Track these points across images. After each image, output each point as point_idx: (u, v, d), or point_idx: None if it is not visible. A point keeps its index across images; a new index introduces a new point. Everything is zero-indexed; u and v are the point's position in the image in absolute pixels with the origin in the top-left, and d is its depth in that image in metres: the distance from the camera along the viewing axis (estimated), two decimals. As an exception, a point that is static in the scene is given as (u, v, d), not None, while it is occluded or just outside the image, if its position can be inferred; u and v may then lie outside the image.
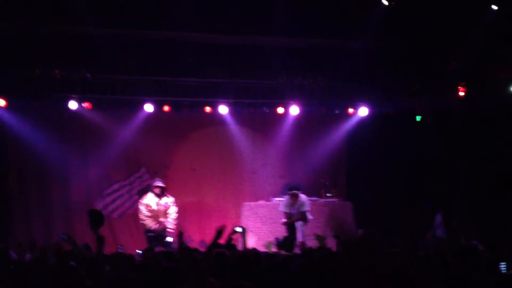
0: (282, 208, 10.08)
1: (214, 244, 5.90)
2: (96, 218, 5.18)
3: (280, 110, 11.47)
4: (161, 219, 9.76)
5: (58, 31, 9.69)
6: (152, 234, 9.64)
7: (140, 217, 9.85)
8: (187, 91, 11.04)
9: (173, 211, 9.90)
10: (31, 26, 9.44)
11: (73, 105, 10.60)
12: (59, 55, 10.18)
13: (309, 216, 9.99)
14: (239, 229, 6.87)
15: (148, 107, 10.89)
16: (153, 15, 9.39)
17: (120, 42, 10.05)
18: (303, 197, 10.03)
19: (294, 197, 9.96)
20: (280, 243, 7.66)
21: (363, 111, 11.56)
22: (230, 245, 6.39)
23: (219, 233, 5.84)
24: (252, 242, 9.69)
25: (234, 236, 6.88)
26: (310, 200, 10.39)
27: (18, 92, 10.37)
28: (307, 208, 9.94)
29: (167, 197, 9.93)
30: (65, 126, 11.16)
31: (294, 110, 11.35)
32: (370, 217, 10.80)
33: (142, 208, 9.79)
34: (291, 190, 10.03)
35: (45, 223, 10.86)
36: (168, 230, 9.78)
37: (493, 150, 10.52)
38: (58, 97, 10.59)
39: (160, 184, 9.76)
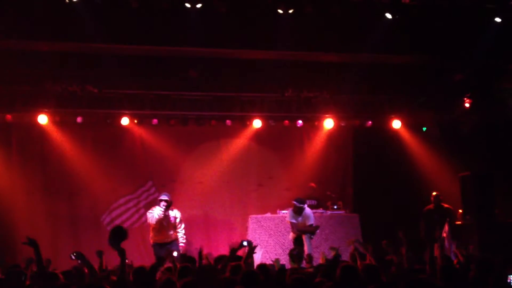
0: (289, 218, 10.01)
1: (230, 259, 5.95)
2: (118, 234, 5.16)
3: (286, 123, 11.51)
4: (170, 232, 9.74)
5: (65, 47, 9.75)
6: (159, 247, 9.61)
7: (149, 222, 9.81)
8: (193, 105, 11.11)
9: (181, 226, 9.89)
10: (37, 42, 9.52)
11: (80, 119, 10.70)
12: (66, 71, 10.27)
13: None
14: (246, 243, 6.86)
15: (154, 121, 10.97)
16: (159, 31, 9.45)
17: (127, 57, 10.11)
18: (307, 210, 9.97)
19: (299, 210, 9.87)
20: (291, 255, 7.61)
21: (369, 123, 11.57)
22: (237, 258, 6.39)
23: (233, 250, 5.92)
24: (258, 255, 9.68)
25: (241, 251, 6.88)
26: (317, 212, 10.36)
27: (23, 107, 10.46)
28: (312, 221, 9.89)
29: (174, 210, 9.91)
30: (72, 140, 11.22)
31: (300, 123, 11.37)
32: (378, 229, 10.76)
33: (150, 216, 9.74)
34: (300, 203, 9.93)
35: (51, 238, 10.87)
36: (180, 244, 9.76)
37: (501, 161, 10.50)
38: (65, 111, 10.68)
39: (165, 198, 9.76)
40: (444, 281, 4.84)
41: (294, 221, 9.92)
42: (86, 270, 5.84)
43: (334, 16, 9.34)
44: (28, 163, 11.11)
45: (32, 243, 5.34)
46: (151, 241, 9.80)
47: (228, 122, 11.34)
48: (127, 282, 4.90)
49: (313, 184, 11.21)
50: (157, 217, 9.59)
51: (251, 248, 6.60)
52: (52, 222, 11.04)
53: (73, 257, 5.40)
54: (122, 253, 4.98)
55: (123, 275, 4.96)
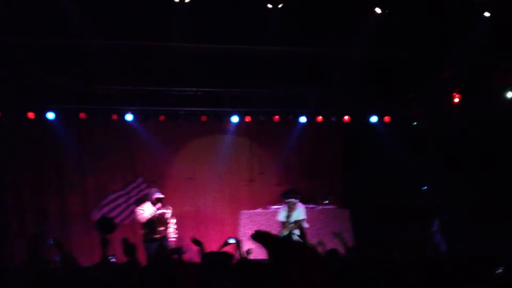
0: (279, 218, 10.07)
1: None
2: (106, 226, 5.16)
3: (276, 118, 11.52)
4: (160, 228, 9.73)
5: (56, 43, 9.71)
6: (149, 243, 9.59)
7: (141, 225, 9.79)
8: (183, 100, 11.08)
9: (172, 221, 9.87)
10: (31, 39, 9.48)
11: (70, 116, 10.65)
12: (55, 67, 10.20)
13: (305, 225, 9.97)
14: (232, 241, 6.82)
15: (143, 117, 10.94)
16: (149, 26, 9.43)
17: (116, 53, 10.07)
18: (299, 205, 10.01)
19: (291, 205, 9.93)
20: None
21: (359, 119, 11.61)
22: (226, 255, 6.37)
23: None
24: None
25: (229, 248, 6.85)
26: (306, 207, 10.39)
27: (15, 103, 10.39)
28: (302, 216, 9.90)
29: (165, 206, 9.90)
30: (62, 136, 11.16)
31: (291, 118, 11.38)
32: (368, 224, 10.83)
33: (140, 211, 9.72)
34: (287, 197, 9.98)
35: (42, 233, 10.80)
36: (170, 239, 9.75)
37: (489, 156, 10.57)
38: (55, 108, 10.62)
39: (159, 195, 9.76)
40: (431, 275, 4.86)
41: (284, 220, 9.95)
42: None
43: (323, 11, 9.37)
44: (18, 159, 11.03)
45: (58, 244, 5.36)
46: (142, 238, 9.77)
47: (218, 117, 11.32)
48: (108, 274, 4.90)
49: None
50: (148, 215, 9.57)
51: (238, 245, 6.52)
52: (42, 218, 10.98)
53: (51, 242, 5.38)
54: (105, 243, 4.99)
55: (104, 266, 4.96)
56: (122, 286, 4.64)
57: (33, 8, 8.78)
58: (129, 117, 10.98)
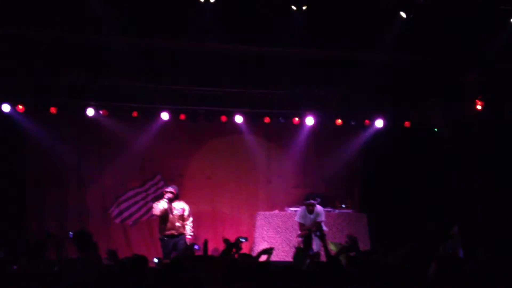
0: (297, 218, 10.05)
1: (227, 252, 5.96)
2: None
3: (296, 120, 11.49)
4: (177, 224, 9.74)
5: (77, 39, 9.79)
6: (166, 239, 9.62)
7: (153, 213, 9.83)
8: (203, 100, 11.10)
9: (190, 219, 9.87)
10: (49, 34, 9.56)
11: (90, 112, 10.73)
12: (78, 63, 10.30)
13: (324, 228, 9.92)
14: (243, 240, 6.80)
15: (164, 116, 10.97)
16: (171, 25, 9.46)
17: (138, 51, 10.13)
18: (319, 208, 9.99)
19: (311, 207, 9.93)
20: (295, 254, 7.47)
21: (379, 123, 11.53)
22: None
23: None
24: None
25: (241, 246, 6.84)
26: (324, 211, 10.35)
27: (36, 99, 10.51)
28: (322, 218, 9.89)
29: (182, 202, 9.90)
30: (82, 132, 11.26)
31: (310, 120, 11.35)
32: (385, 229, 10.75)
33: (154, 207, 9.76)
34: (307, 199, 10.00)
35: (59, 228, 10.91)
36: (186, 237, 9.76)
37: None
38: (76, 104, 10.72)
39: (170, 189, 9.77)
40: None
41: (302, 221, 9.93)
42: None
43: (345, 13, 9.32)
44: (38, 154, 11.15)
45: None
46: (159, 234, 9.80)
47: (238, 118, 11.32)
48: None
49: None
50: (161, 208, 9.59)
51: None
52: (61, 214, 11.09)
53: (71, 235, 5.40)
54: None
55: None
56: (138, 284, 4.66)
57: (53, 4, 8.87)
58: (149, 115, 11.04)
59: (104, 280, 4.63)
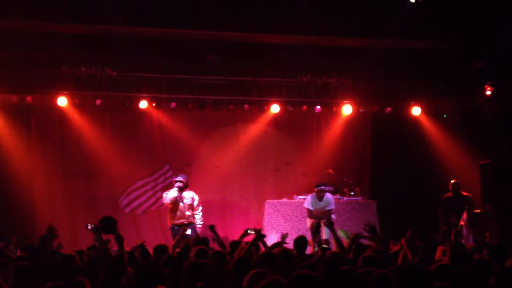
0: (306, 205, 10.02)
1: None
2: (108, 222, 5.21)
3: (304, 108, 11.46)
4: (187, 214, 9.75)
5: (84, 29, 9.79)
6: (177, 228, 9.62)
7: (164, 202, 9.83)
8: (211, 89, 11.10)
9: (199, 208, 9.87)
10: (56, 25, 9.56)
11: (99, 102, 10.77)
12: (85, 54, 10.31)
13: (333, 216, 9.91)
14: (251, 232, 6.77)
15: (172, 105, 11.00)
16: (178, 14, 9.43)
17: (146, 40, 10.12)
18: (329, 196, 9.98)
19: (322, 193, 9.89)
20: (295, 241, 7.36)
21: (387, 110, 11.47)
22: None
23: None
24: (274, 239, 9.69)
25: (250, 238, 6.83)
26: (334, 198, 10.34)
27: (43, 89, 10.54)
28: (332, 206, 9.88)
29: (191, 192, 9.90)
30: (91, 122, 11.29)
31: (318, 108, 11.31)
32: (395, 216, 10.72)
33: (164, 196, 9.76)
34: (319, 186, 9.98)
35: (69, 217, 10.98)
36: (197, 226, 9.77)
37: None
38: (84, 94, 10.75)
39: (180, 178, 9.76)
40: (455, 268, 4.78)
41: (310, 207, 9.92)
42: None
43: (354, 0, 9.25)
44: (47, 145, 11.23)
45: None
46: (169, 223, 9.82)
47: (246, 106, 11.31)
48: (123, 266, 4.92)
49: (331, 171, 11.18)
50: (171, 197, 9.59)
51: (258, 236, 6.46)
52: (70, 204, 11.17)
53: (89, 227, 5.40)
54: (119, 239, 5.07)
55: (122, 260, 5.01)
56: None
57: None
58: (157, 104, 11.04)
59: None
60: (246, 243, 6.46)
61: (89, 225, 5.38)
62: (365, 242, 6.42)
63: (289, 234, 10.38)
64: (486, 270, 4.68)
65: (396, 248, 6.80)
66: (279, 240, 7.41)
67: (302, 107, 11.43)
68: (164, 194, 9.80)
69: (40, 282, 4.48)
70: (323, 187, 9.96)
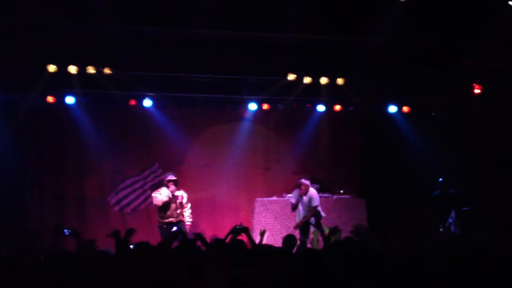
0: (291, 199, 9.95)
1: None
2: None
3: (294, 106, 11.46)
4: (177, 212, 9.71)
5: (74, 27, 9.72)
6: (166, 227, 9.59)
7: (155, 203, 9.77)
8: (201, 87, 11.07)
9: (188, 206, 9.87)
10: (47, 22, 9.50)
11: (89, 100, 10.75)
12: (73, 51, 10.23)
13: (322, 214, 9.88)
14: (240, 227, 6.73)
15: (162, 103, 10.97)
16: (168, 12, 9.40)
17: (135, 38, 10.07)
18: (312, 192, 9.84)
19: (303, 187, 9.65)
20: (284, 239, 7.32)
21: (378, 108, 11.50)
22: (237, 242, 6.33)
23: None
24: (264, 238, 9.66)
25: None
26: (322, 196, 10.33)
27: (34, 87, 10.46)
28: (316, 203, 9.70)
29: (181, 190, 9.89)
30: (81, 121, 11.23)
31: (308, 107, 11.31)
32: (384, 215, 10.75)
33: (156, 196, 9.71)
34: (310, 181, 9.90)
35: (58, 216, 10.93)
36: (186, 224, 9.75)
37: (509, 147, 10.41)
38: (74, 92, 10.68)
39: (172, 177, 9.74)
40: (446, 266, 4.79)
41: (293, 201, 9.84)
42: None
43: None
44: (38, 142, 11.15)
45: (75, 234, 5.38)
46: (158, 222, 9.78)
47: (236, 104, 11.29)
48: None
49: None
50: (166, 199, 9.56)
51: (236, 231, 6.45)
52: (60, 202, 11.11)
53: (67, 233, 5.38)
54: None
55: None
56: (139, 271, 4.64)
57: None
58: (147, 102, 11.00)
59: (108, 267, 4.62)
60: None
61: (66, 231, 5.36)
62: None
63: (279, 233, 10.43)
64: None
65: None
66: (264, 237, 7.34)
67: (292, 106, 11.43)
68: (154, 194, 9.74)
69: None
70: (302, 180, 9.81)
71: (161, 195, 9.62)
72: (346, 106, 11.55)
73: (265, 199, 11.06)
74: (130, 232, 6.31)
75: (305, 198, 9.73)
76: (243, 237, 6.53)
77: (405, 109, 11.65)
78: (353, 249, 4.99)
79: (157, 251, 5.54)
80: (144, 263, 4.85)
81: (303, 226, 9.63)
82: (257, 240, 6.96)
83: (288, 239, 6.65)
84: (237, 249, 5.53)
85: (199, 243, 6.39)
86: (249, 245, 6.70)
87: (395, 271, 4.19)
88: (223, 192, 11.73)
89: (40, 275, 4.61)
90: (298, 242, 8.29)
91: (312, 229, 9.63)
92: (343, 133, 12.09)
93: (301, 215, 9.78)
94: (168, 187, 9.68)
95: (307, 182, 9.74)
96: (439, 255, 4.69)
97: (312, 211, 9.65)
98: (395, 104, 11.62)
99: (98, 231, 10.13)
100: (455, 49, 10.48)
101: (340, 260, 4.31)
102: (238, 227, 6.63)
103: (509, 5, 9.40)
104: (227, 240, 6.17)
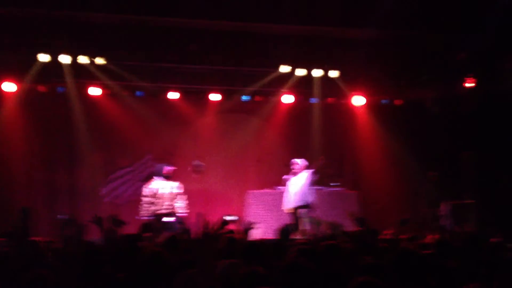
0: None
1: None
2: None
3: (286, 99, 11.43)
4: (167, 203, 9.66)
5: (67, 16, 9.63)
6: (156, 218, 9.50)
7: (143, 201, 9.71)
8: (192, 78, 11.03)
9: (183, 196, 9.77)
10: (45, 11, 9.40)
11: (80, 90, 10.65)
12: (67, 41, 10.13)
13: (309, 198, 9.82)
14: (230, 218, 6.71)
15: (153, 94, 10.91)
16: (159, 2, 9.34)
17: (127, 28, 10.00)
18: (307, 174, 9.74)
19: (291, 167, 9.70)
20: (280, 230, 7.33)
21: (369, 101, 11.51)
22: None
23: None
24: (256, 230, 9.65)
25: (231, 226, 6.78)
26: (316, 189, 10.31)
27: (24, 76, 10.36)
28: (306, 181, 9.64)
29: (173, 181, 9.83)
30: (72, 111, 11.15)
31: (301, 99, 11.29)
32: (376, 207, 10.79)
33: (145, 194, 9.65)
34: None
35: (49, 207, 10.86)
36: (178, 214, 9.68)
37: (501, 140, 10.46)
38: (66, 82, 10.57)
39: (171, 168, 9.65)
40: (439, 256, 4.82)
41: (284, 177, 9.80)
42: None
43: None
44: (29, 131, 11.05)
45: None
46: (148, 213, 9.71)
47: (228, 96, 11.25)
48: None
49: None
50: (162, 191, 9.49)
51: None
52: (51, 191, 11.04)
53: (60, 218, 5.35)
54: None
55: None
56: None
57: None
58: (139, 93, 10.94)
59: (97, 259, 4.57)
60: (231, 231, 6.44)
61: (59, 216, 5.33)
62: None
63: (270, 224, 10.41)
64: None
65: None
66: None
67: (283, 97, 11.40)
68: (144, 188, 9.65)
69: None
70: (295, 159, 9.81)
71: (158, 186, 9.50)
72: (338, 99, 11.53)
73: (257, 191, 11.04)
74: (117, 222, 6.22)
75: (295, 179, 9.69)
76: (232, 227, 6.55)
77: (398, 101, 11.67)
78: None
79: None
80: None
81: (293, 214, 9.64)
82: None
83: (284, 231, 6.65)
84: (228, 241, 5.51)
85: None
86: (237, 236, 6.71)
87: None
88: (214, 184, 11.69)
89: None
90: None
91: (301, 216, 9.60)
92: (336, 125, 12.08)
93: (291, 198, 9.75)
94: (167, 178, 9.58)
95: (296, 160, 9.72)
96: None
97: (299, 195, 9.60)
98: (388, 96, 11.62)
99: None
100: (447, 42, 10.50)
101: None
102: (227, 217, 6.62)
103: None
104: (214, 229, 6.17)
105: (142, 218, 9.53)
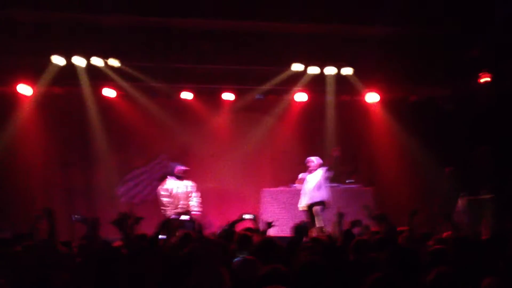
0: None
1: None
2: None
3: (300, 97, 11.44)
4: (182, 202, 9.72)
5: (80, 19, 9.71)
6: (173, 217, 9.56)
7: (161, 202, 9.79)
8: (207, 78, 11.07)
9: (196, 195, 9.82)
10: (52, 14, 9.49)
11: (94, 92, 10.74)
12: (81, 43, 10.22)
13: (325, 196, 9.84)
14: (247, 216, 6.75)
15: (167, 94, 10.97)
16: (171, 3, 9.38)
17: (140, 30, 10.06)
18: (320, 172, 9.80)
19: (307, 164, 9.74)
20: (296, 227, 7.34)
21: (383, 98, 11.48)
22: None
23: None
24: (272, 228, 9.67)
25: (247, 223, 6.82)
26: (331, 186, 10.30)
27: (38, 79, 10.46)
28: (321, 178, 9.71)
29: (187, 180, 9.88)
30: (87, 112, 11.25)
31: (314, 97, 11.29)
32: (392, 204, 10.76)
33: (162, 193, 9.72)
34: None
35: (66, 208, 10.95)
36: (192, 213, 9.74)
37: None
38: (81, 84, 10.67)
39: (184, 168, 9.71)
40: (456, 254, 4.81)
41: (300, 176, 9.86)
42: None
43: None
44: (45, 134, 11.17)
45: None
46: (166, 212, 9.78)
47: (241, 95, 11.28)
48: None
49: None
50: (176, 191, 9.54)
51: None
52: (68, 193, 11.17)
53: (74, 218, 5.41)
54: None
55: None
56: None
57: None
58: (153, 93, 11.02)
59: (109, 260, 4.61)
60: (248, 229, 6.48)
61: (74, 216, 5.38)
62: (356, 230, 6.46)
63: (286, 222, 10.44)
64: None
65: None
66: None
67: (298, 96, 11.40)
68: (160, 187, 9.69)
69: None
70: (310, 157, 9.87)
71: (173, 186, 9.56)
72: (352, 96, 11.51)
73: (272, 189, 11.07)
74: (137, 220, 6.28)
75: (309, 176, 9.74)
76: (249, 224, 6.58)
77: (412, 98, 11.62)
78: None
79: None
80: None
81: (309, 212, 9.66)
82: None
83: (299, 228, 6.67)
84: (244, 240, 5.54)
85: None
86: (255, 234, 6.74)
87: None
88: (229, 183, 11.76)
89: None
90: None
91: (317, 213, 9.61)
92: (350, 123, 12.06)
93: (307, 195, 9.76)
94: (180, 178, 9.64)
95: (312, 158, 9.79)
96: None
97: (312, 193, 9.65)
98: (401, 93, 11.57)
99: (106, 222, 10.17)
100: (461, 39, 10.43)
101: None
102: (245, 216, 6.65)
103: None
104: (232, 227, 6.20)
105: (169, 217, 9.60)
